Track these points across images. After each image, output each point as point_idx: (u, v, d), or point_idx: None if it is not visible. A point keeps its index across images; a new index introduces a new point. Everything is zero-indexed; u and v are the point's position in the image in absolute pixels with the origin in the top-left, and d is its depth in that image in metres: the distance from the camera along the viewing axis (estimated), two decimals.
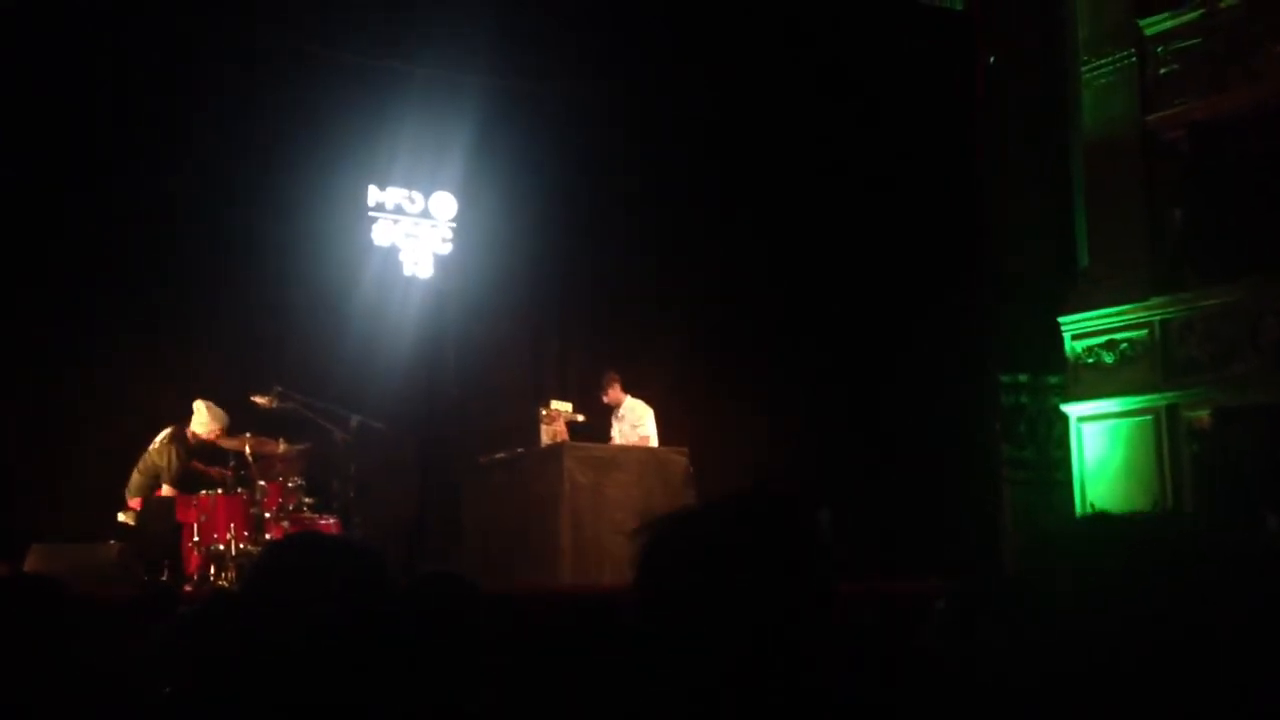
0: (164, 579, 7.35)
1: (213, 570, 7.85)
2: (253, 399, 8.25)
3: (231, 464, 8.31)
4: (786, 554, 1.48)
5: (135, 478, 8.17)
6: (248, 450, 8.25)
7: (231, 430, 8.35)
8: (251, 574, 1.69)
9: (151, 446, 8.21)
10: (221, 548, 7.89)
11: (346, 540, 1.72)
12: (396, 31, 9.83)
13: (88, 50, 8.79)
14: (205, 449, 8.44)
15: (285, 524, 8.06)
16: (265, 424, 8.39)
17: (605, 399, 9.45)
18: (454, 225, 10.66)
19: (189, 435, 8.32)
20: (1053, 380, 12.98)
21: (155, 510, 8.06)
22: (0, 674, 2.16)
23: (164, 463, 8.16)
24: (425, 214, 10.59)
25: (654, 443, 9.19)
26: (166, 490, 8.17)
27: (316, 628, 1.54)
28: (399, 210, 10.49)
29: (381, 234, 10.40)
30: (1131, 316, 12.44)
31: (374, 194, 10.38)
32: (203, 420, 8.30)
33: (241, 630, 1.57)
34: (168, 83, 9.04)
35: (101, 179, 8.89)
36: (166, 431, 8.24)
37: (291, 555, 1.69)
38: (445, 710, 2.30)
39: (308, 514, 8.28)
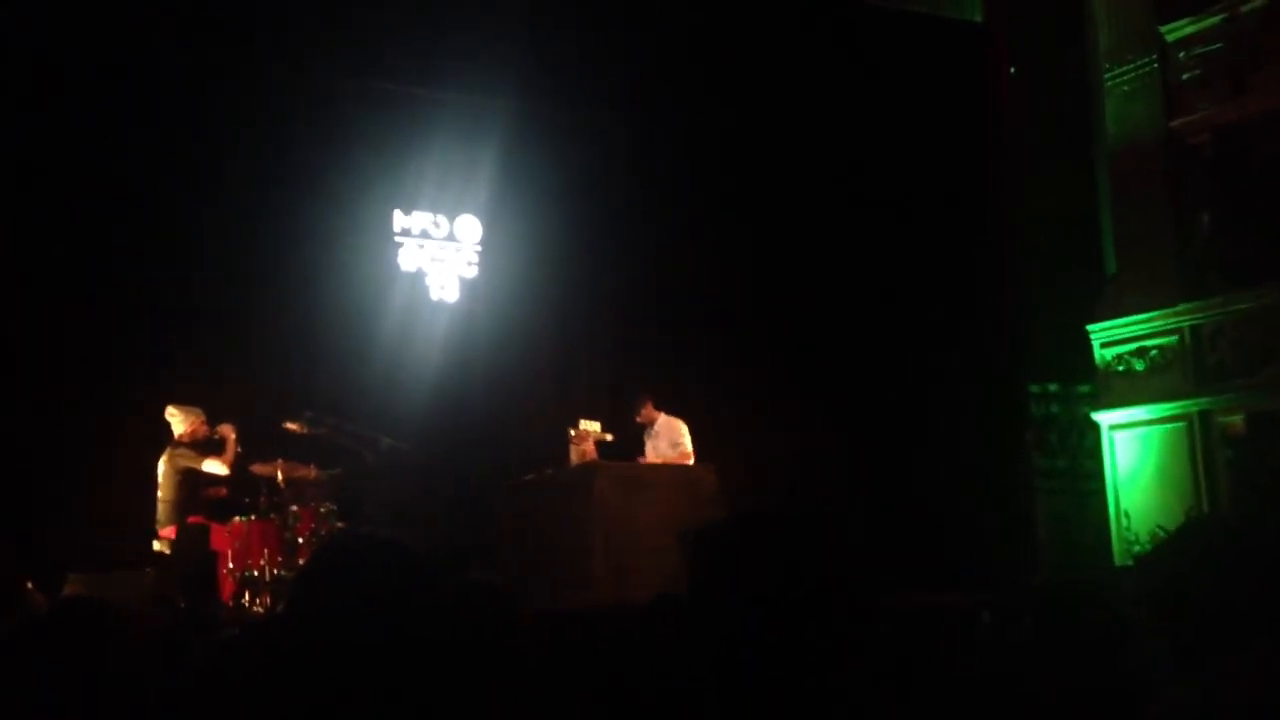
0: (201, 605, 7.38)
1: (247, 596, 7.90)
2: (285, 425, 8.31)
3: (264, 490, 8.36)
4: (826, 563, 1.52)
5: (160, 507, 8.20)
6: (280, 476, 8.31)
7: (264, 456, 8.40)
8: (305, 573, 1.68)
9: (161, 472, 8.25)
10: (256, 573, 7.95)
11: (393, 539, 1.70)
12: (420, 57, 9.87)
13: (117, 82, 8.89)
14: (209, 443, 8.44)
15: None
16: (297, 449, 8.44)
17: (638, 418, 9.42)
18: (479, 249, 10.70)
19: (182, 441, 8.32)
20: (1083, 389, 12.90)
21: (189, 537, 8.10)
22: (53, 697, 2.17)
23: (184, 464, 8.16)
24: (451, 238, 10.64)
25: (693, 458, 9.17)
26: (216, 466, 8.20)
27: (368, 636, 1.54)
28: (425, 235, 10.53)
29: (408, 259, 10.45)
30: (1161, 323, 12.37)
31: (400, 219, 10.43)
32: (179, 423, 8.32)
33: (293, 640, 1.57)
34: (196, 112, 9.12)
35: (130, 209, 8.97)
36: (164, 455, 8.27)
37: (342, 554, 1.68)
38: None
39: None
